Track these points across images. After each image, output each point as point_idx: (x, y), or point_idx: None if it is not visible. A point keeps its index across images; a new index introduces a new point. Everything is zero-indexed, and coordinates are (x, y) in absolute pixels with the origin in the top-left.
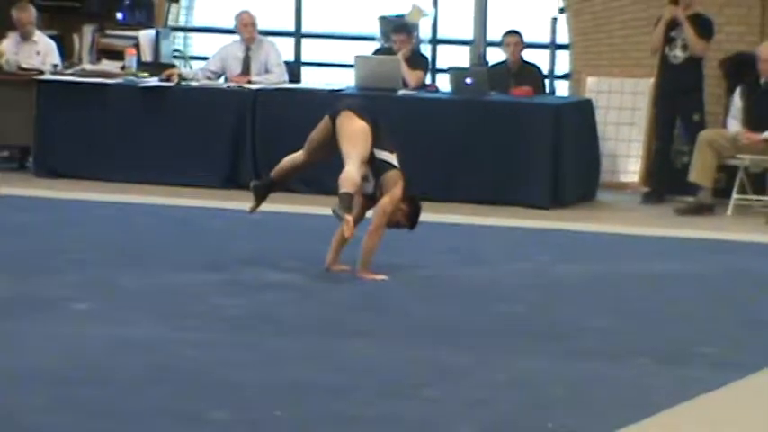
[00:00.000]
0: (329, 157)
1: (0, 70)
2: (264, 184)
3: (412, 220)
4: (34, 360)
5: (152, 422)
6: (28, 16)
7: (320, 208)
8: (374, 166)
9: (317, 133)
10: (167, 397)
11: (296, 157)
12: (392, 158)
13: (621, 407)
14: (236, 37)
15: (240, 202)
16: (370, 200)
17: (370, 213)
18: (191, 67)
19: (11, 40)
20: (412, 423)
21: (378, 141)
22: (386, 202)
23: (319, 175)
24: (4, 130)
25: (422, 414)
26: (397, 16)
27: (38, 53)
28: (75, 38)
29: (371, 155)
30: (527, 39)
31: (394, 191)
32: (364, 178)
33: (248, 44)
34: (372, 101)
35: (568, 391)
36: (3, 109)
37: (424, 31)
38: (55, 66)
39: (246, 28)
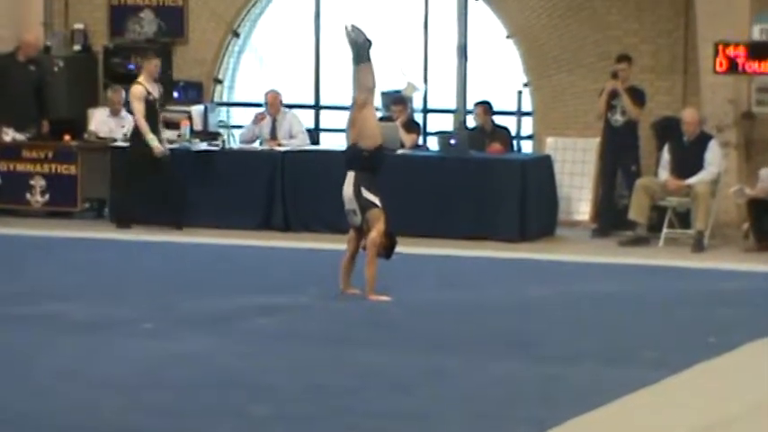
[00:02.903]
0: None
1: (83, 139)
2: None
3: (388, 252)
4: (111, 369)
5: (204, 416)
6: (119, 98)
7: (337, 244)
8: (361, 204)
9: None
10: (216, 396)
11: None
12: (376, 199)
13: (578, 400)
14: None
15: (274, 240)
16: (359, 231)
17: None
18: (233, 135)
19: (101, 113)
20: (412, 415)
21: (368, 184)
22: (374, 236)
23: (337, 217)
24: (86, 187)
25: (420, 408)
26: (395, 91)
27: (122, 126)
28: None
29: (359, 193)
30: (498, 107)
31: (378, 226)
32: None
33: (274, 116)
34: None
35: (536, 387)
36: (85, 170)
37: (417, 103)
38: (125, 134)
39: (272, 104)
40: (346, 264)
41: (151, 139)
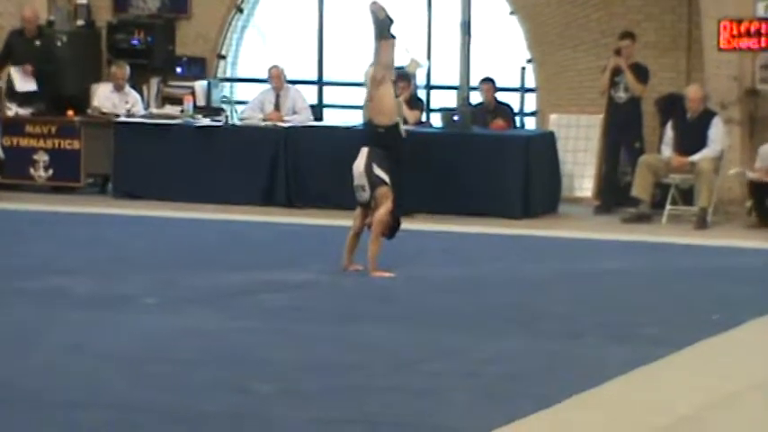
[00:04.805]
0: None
1: (86, 114)
2: None
3: (392, 232)
4: (114, 344)
5: (207, 393)
6: (123, 73)
7: (339, 220)
8: (371, 180)
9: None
10: (220, 372)
11: None
12: (385, 176)
13: (581, 376)
14: (269, 85)
15: (277, 216)
16: (366, 208)
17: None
18: (236, 110)
19: (105, 88)
20: (416, 392)
21: (380, 161)
22: (381, 213)
23: (339, 193)
24: (89, 162)
25: (424, 384)
26: (398, 68)
27: (126, 102)
28: (144, 88)
29: (370, 169)
30: (502, 84)
31: (386, 204)
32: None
33: (278, 91)
34: None
35: (538, 364)
36: (88, 145)
37: (421, 79)
38: (128, 110)
39: (275, 79)
40: (351, 240)
41: None
